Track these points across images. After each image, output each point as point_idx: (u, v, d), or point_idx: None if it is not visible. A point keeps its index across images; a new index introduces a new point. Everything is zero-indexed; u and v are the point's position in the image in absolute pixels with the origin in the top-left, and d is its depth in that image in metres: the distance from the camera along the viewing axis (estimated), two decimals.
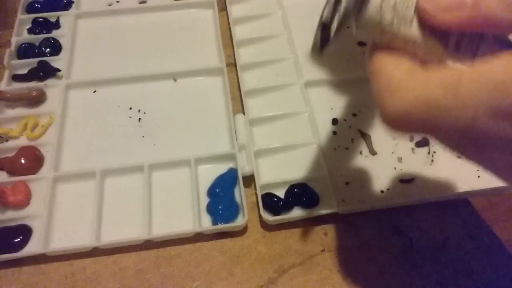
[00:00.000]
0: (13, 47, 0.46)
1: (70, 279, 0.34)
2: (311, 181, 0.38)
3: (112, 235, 0.36)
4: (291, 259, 0.35)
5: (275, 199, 0.37)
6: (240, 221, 0.36)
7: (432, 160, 0.40)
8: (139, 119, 0.43)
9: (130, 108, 0.43)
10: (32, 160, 0.39)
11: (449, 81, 0.19)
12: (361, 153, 0.40)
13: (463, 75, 0.18)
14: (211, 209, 0.37)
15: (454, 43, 0.21)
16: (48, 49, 0.47)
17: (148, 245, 0.36)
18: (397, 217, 0.37)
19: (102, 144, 0.41)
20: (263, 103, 0.43)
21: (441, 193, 0.38)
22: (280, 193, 0.38)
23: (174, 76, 0.46)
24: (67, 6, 0.51)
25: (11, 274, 0.35)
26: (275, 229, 0.37)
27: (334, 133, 0.41)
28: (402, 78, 0.20)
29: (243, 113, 0.42)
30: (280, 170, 0.39)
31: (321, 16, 0.24)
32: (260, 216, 0.37)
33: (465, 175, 0.38)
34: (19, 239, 0.35)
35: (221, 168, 0.39)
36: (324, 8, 0.23)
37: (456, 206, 0.38)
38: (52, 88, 0.44)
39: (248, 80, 0.45)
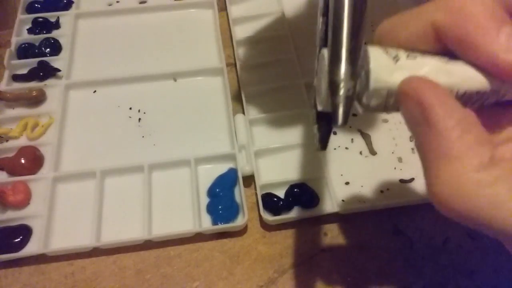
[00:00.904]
0: (13, 47, 0.46)
1: (70, 279, 0.34)
2: (311, 181, 0.38)
3: (112, 235, 0.36)
4: (291, 259, 0.35)
5: (275, 199, 0.37)
6: (240, 221, 0.36)
7: None
8: (139, 119, 0.43)
9: (130, 108, 0.43)
10: (32, 160, 0.39)
11: None
12: (361, 153, 0.40)
13: None
14: (211, 209, 0.37)
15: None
16: (48, 49, 0.47)
17: (148, 245, 0.36)
18: (397, 217, 0.37)
19: (102, 144, 0.41)
20: (263, 103, 0.43)
21: None
22: (280, 193, 0.37)
23: (174, 76, 0.46)
24: (67, 6, 0.51)
25: (11, 274, 0.35)
26: (275, 229, 0.37)
27: (334, 133, 0.41)
28: (473, 168, 0.16)
29: (243, 113, 0.42)
30: (280, 170, 0.39)
31: (314, 105, 0.19)
32: (260, 216, 0.37)
33: None
34: (19, 239, 0.35)
35: (221, 168, 0.39)
36: (314, 96, 0.19)
37: None
38: (52, 88, 0.44)
39: (248, 80, 0.45)
